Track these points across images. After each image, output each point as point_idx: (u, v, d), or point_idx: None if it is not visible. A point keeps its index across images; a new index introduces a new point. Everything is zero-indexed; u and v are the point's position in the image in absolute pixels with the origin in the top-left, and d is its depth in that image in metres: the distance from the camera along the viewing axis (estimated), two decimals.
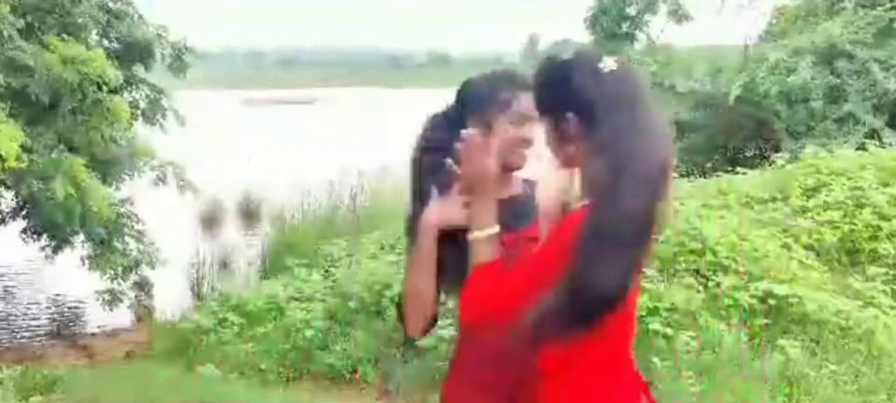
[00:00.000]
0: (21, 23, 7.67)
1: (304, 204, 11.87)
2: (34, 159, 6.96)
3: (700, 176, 8.09)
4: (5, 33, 7.20)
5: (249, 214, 14.45)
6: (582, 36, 18.75)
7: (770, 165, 8.06)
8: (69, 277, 9.89)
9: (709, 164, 10.53)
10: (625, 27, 18.60)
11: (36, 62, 7.36)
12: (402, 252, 5.98)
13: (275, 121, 31.80)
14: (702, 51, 14.92)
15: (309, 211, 11.60)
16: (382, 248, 7.19)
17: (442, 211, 1.82)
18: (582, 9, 19.31)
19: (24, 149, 6.32)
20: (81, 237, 8.41)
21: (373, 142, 18.98)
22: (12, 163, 5.24)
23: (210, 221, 13.86)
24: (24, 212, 8.78)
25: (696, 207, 5.79)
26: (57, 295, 10.78)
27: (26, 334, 9.46)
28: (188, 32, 10.19)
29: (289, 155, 19.24)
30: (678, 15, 19.13)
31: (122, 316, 9.03)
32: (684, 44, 16.10)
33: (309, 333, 5.47)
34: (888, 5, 11.19)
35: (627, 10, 18.59)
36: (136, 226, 8.95)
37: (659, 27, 18.30)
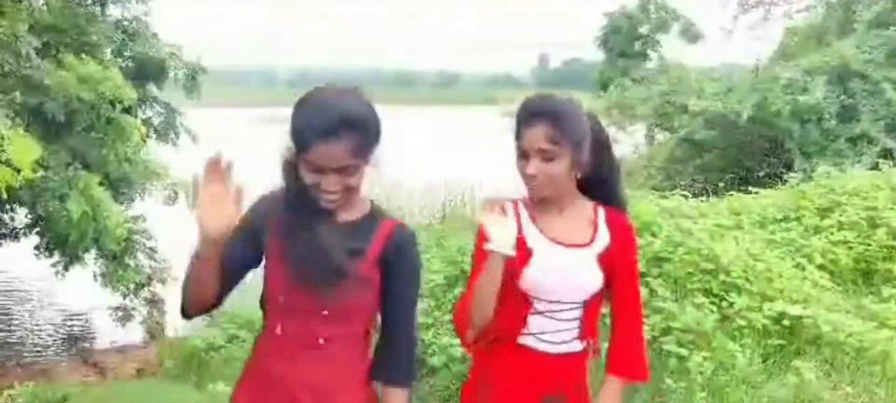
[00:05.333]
0: (38, 42, 7.77)
1: None
2: (49, 176, 7.02)
3: (713, 195, 8.05)
4: (23, 52, 7.29)
5: None
6: (593, 55, 18.77)
7: (783, 185, 8.02)
8: (80, 293, 9.93)
9: (721, 183, 10.46)
10: (637, 46, 18.66)
11: (52, 81, 7.44)
12: None
13: (287, 138, 31.86)
14: (714, 70, 14.91)
15: None
16: None
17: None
18: (592, 29, 19.40)
19: (40, 165, 6.38)
20: (93, 253, 8.47)
21: (384, 160, 19.00)
22: (27, 174, 5.29)
23: None
24: (37, 228, 8.86)
25: (709, 227, 5.76)
26: (68, 311, 10.82)
27: (37, 350, 9.49)
28: (201, 51, 10.30)
29: None
30: (690, 34, 19.18)
31: (133, 333, 9.06)
32: (696, 63, 16.10)
33: None
34: None
35: (639, 29, 18.65)
36: (149, 243, 9.01)
37: (671, 46, 18.35)
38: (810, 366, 4.36)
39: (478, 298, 1.97)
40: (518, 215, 2.04)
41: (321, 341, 1.87)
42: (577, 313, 2.07)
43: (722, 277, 4.98)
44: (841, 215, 6.24)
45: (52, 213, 7.32)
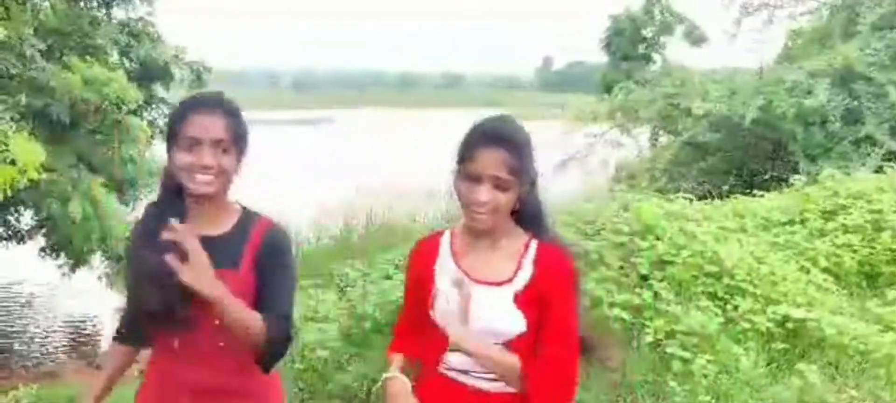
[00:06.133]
0: (43, 44, 7.80)
1: (318, 224, 11.92)
2: (54, 178, 7.05)
3: (717, 198, 8.04)
4: (28, 54, 7.32)
5: None
6: (596, 57, 18.79)
7: (787, 187, 8.01)
8: (86, 295, 9.95)
9: (725, 186, 10.45)
10: (641, 49, 18.68)
11: (57, 83, 7.47)
12: None
13: (290, 141, 32.01)
14: (717, 72, 14.89)
15: (323, 231, 11.65)
16: (397, 268, 7.19)
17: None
18: (595, 30, 19.43)
19: (45, 167, 6.41)
20: (99, 255, 8.49)
21: (387, 163, 19.05)
22: (32, 175, 5.31)
23: None
24: (42, 230, 8.89)
25: (713, 230, 5.75)
26: (73, 313, 10.84)
27: (42, 352, 9.51)
28: (205, 54, 10.33)
29: (304, 175, 19.33)
30: (694, 37, 19.20)
31: None
32: (700, 66, 16.10)
33: (323, 354, 5.46)
34: None
35: (643, 32, 18.67)
36: None
37: (675, 49, 18.35)
38: (814, 369, 4.35)
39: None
40: (438, 248, 1.97)
41: (221, 345, 1.92)
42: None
43: (726, 280, 4.98)
44: (845, 218, 6.24)
45: (57, 215, 7.34)
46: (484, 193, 1.80)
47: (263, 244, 1.93)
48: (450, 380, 1.94)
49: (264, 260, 1.92)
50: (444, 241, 1.99)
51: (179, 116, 1.86)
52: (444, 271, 1.93)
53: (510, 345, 1.88)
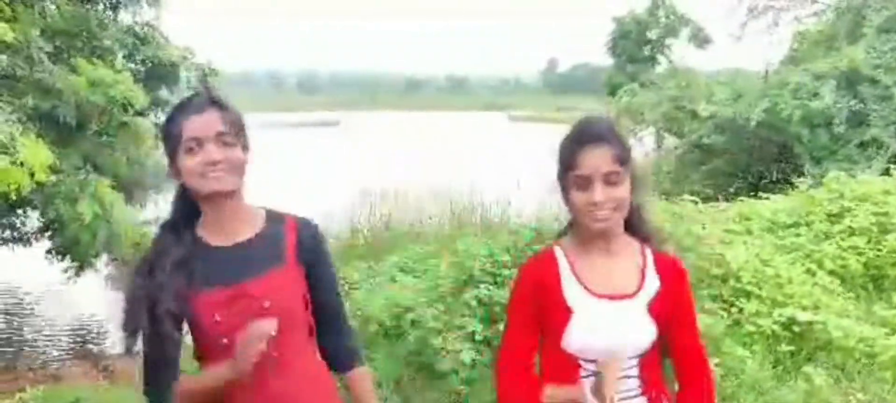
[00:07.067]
0: (50, 46, 7.82)
1: (323, 227, 11.93)
2: (61, 180, 7.06)
3: (722, 200, 8.03)
4: (35, 56, 7.34)
5: None
6: (601, 59, 18.78)
7: (793, 190, 8.00)
8: (91, 297, 9.98)
9: (731, 189, 10.44)
10: (646, 51, 18.68)
11: (64, 85, 7.49)
12: (422, 275, 5.99)
13: (295, 144, 32.06)
14: (723, 74, 14.88)
15: (328, 234, 11.66)
16: (402, 271, 7.19)
17: None
18: (600, 33, 19.42)
19: (52, 169, 6.43)
20: (105, 258, 8.51)
21: (392, 165, 19.07)
22: (40, 177, 5.32)
23: None
24: (48, 232, 8.92)
25: (718, 232, 5.75)
26: (79, 315, 10.88)
27: (48, 354, 9.54)
28: (211, 57, 10.35)
29: (309, 178, 19.37)
30: (699, 39, 19.18)
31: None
32: (705, 67, 16.08)
33: None
34: None
35: (648, 34, 18.66)
36: None
37: (680, 51, 18.35)
38: (821, 372, 4.35)
39: None
40: (556, 264, 1.89)
41: (275, 355, 1.84)
42: (634, 370, 1.88)
43: (732, 282, 4.98)
44: (851, 220, 6.22)
45: (64, 217, 7.35)
46: (599, 192, 1.79)
47: (302, 238, 1.92)
48: None
49: (307, 254, 1.91)
50: (560, 259, 1.90)
51: (174, 125, 1.81)
52: (569, 288, 1.87)
53: (642, 359, 1.88)
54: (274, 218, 1.93)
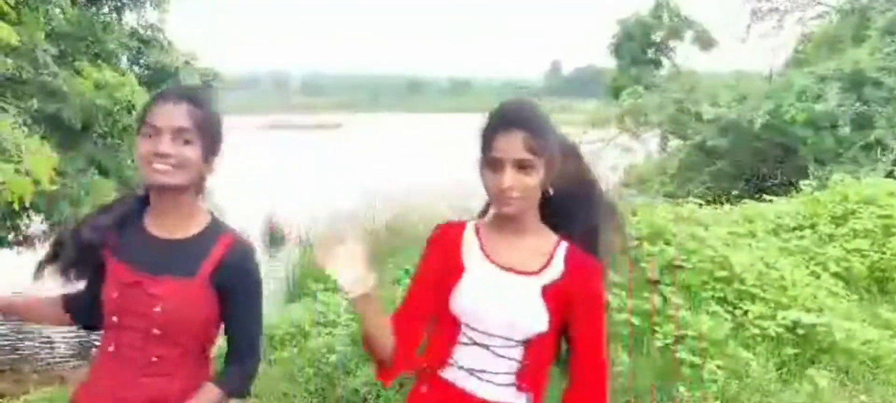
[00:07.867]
0: (55, 50, 7.86)
1: (325, 228, 11.93)
2: (65, 182, 7.09)
3: (726, 202, 8.02)
4: (40, 59, 7.37)
5: (274, 239, 14.57)
6: (605, 61, 18.77)
7: (797, 192, 7.99)
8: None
9: (735, 191, 10.43)
10: (650, 53, 18.64)
11: (69, 87, 7.52)
12: None
13: (299, 146, 32.09)
14: (727, 77, 14.87)
15: None
16: (406, 272, 7.20)
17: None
18: (604, 35, 19.39)
19: (57, 172, 6.46)
20: None
21: (396, 167, 19.09)
22: (46, 186, 5.33)
23: None
24: (53, 236, 8.94)
25: (722, 235, 5.74)
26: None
27: (53, 357, 9.56)
28: (213, 60, 10.39)
29: (313, 179, 19.39)
30: (703, 41, 19.14)
31: None
32: (709, 70, 16.08)
33: (333, 358, 5.47)
34: None
35: (652, 36, 18.63)
36: None
37: (684, 53, 18.32)
38: (825, 375, 4.34)
39: (365, 337, 1.83)
40: (463, 229, 1.89)
41: (154, 359, 1.81)
42: (515, 352, 1.82)
43: (736, 285, 4.97)
44: (855, 223, 6.22)
45: (68, 220, 7.38)
46: (507, 178, 1.76)
47: (226, 260, 1.83)
48: (450, 386, 1.85)
49: (227, 278, 1.83)
50: (469, 230, 1.90)
51: (146, 108, 1.82)
52: (469, 252, 1.86)
53: (527, 347, 1.82)
54: (213, 229, 1.87)
